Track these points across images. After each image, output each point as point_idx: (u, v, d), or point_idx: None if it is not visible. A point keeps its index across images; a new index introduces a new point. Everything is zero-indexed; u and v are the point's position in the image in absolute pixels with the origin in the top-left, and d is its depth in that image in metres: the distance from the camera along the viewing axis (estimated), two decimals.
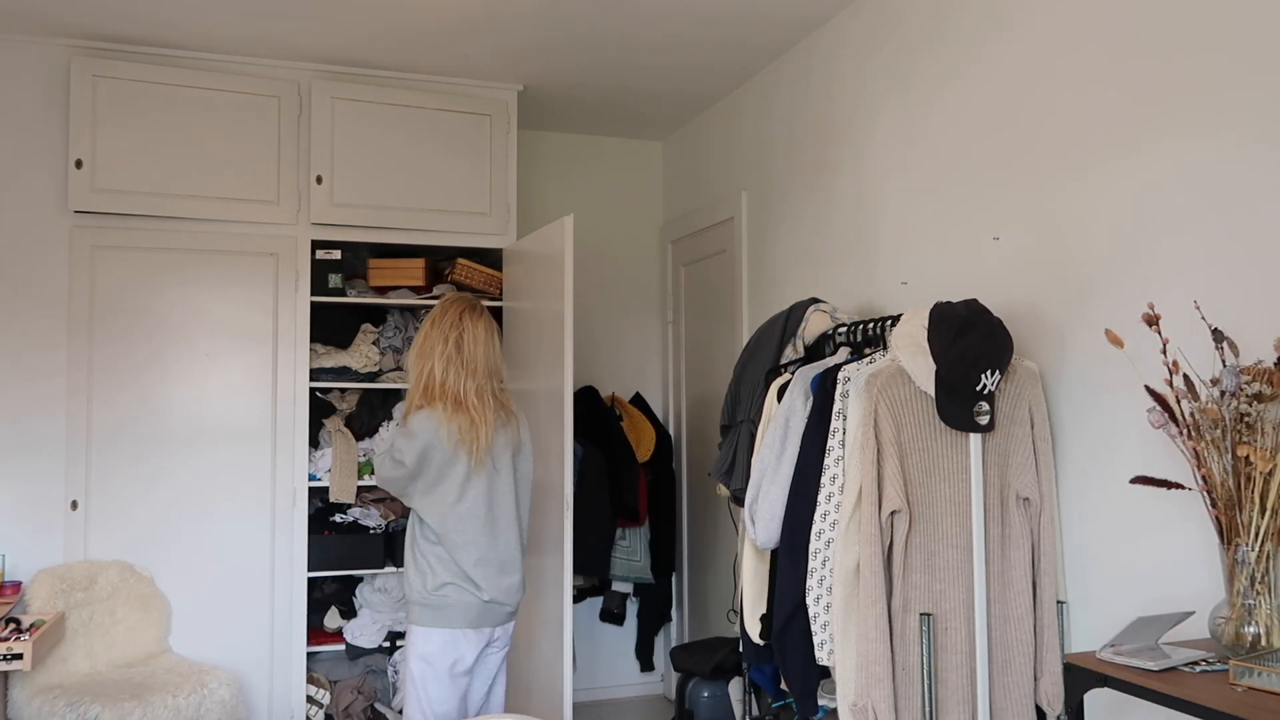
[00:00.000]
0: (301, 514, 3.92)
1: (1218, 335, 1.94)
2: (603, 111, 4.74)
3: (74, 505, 3.67)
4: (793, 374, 2.86)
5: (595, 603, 4.91)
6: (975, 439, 2.44)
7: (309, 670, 3.96)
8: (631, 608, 4.95)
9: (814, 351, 3.10)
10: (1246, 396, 1.86)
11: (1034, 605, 2.44)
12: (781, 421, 2.76)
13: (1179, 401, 1.96)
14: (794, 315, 3.17)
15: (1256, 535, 1.83)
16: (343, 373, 4.08)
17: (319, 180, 3.96)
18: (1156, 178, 2.26)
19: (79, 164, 3.68)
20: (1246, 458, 1.83)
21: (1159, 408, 1.96)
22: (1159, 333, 2.02)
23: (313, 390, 4.04)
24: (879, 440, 2.42)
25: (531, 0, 3.45)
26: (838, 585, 2.45)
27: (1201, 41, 2.15)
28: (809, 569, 2.54)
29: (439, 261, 4.32)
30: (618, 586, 4.79)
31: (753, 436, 2.98)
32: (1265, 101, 2.01)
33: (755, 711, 3.42)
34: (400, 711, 3.51)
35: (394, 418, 4.12)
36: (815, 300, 3.19)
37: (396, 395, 4.24)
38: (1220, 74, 2.11)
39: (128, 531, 3.72)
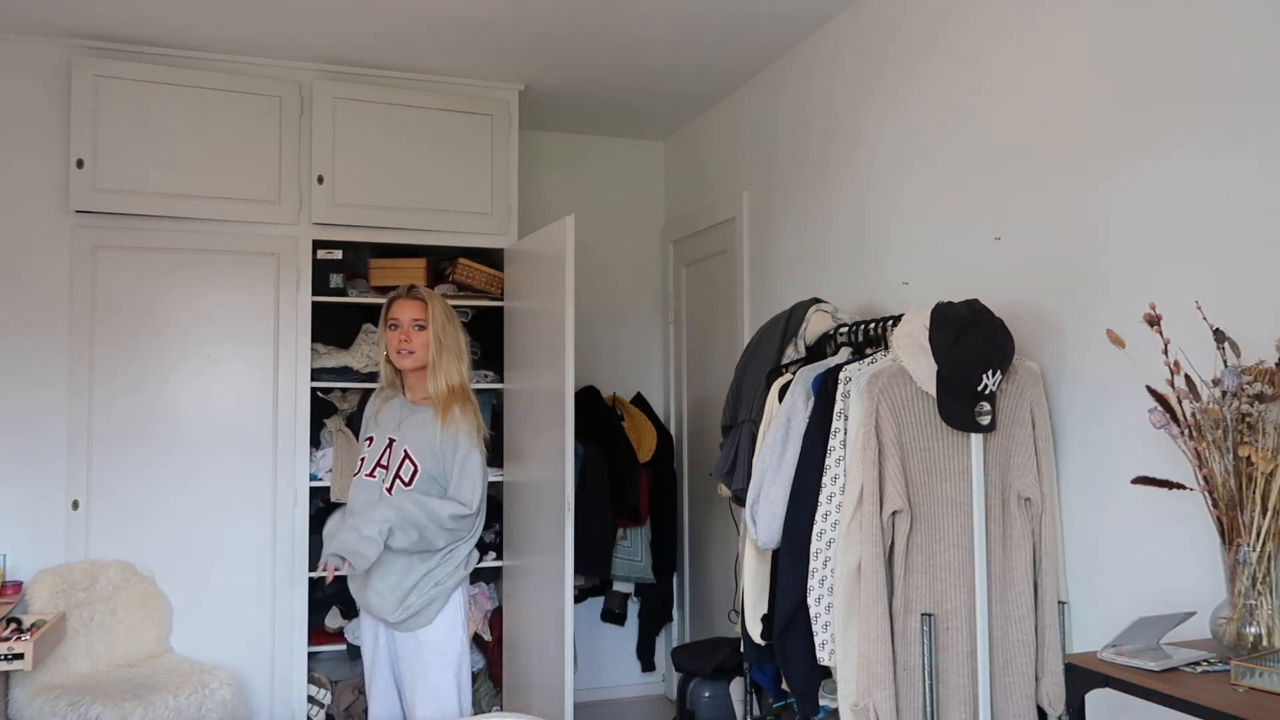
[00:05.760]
0: (302, 514, 3.92)
1: (1219, 335, 1.94)
2: (604, 111, 4.74)
3: (75, 505, 3.67)
4: (794, 374, 2.86)
5: (596, 603, 4.91)
6: (976, 439, 2.44)
7: (310, 670, 3.96)
8: (633, 608, 4.95)
9: (815, 351, 3.10)
10: (1248, 397, 1.86)
11: (1035, 605, 2.44)
12: (783, 421, 2.75)
13: (1180, 402, 1.95)
14: (795, 315, 3.16)
15: (1258, 535, 1.82)
16: (344, 373, 4.08)
17: (320, 180, 3.96)
18: (1158, 178, 2.26)
19: (80, 164, 3.68)
20: (1248, 458, 1.82)
21: (1160, 408, 1.95)
22: (1160, 333, 2.02)
23: (314, 390, 4.04)
24: (880, 440, 2.41)
25: (533, 0, 3.45)
26: (839, 585, 2.45)
27: (1202, 43, 2.15)
28: (810, 569, 2.54)
29: (440, 261, 4.32)
30: (619, 586, 4.80)
31: (754, 437, 2.98)
32: (1266, 102, 2.01)
33: (756, 711, 3.42)
34: None
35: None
36: (816, 300, 3.18)
37: None
38: (1221, 75, 2.11)
39: (129, 531, 3.72)
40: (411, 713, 2.99)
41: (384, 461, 3.00)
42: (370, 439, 3.08)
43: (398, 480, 2.95)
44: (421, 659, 2.96)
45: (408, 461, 2.96)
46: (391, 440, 3.01)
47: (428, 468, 2.95)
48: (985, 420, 2.39)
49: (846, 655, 2.44)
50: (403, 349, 3.00)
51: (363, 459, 3.07)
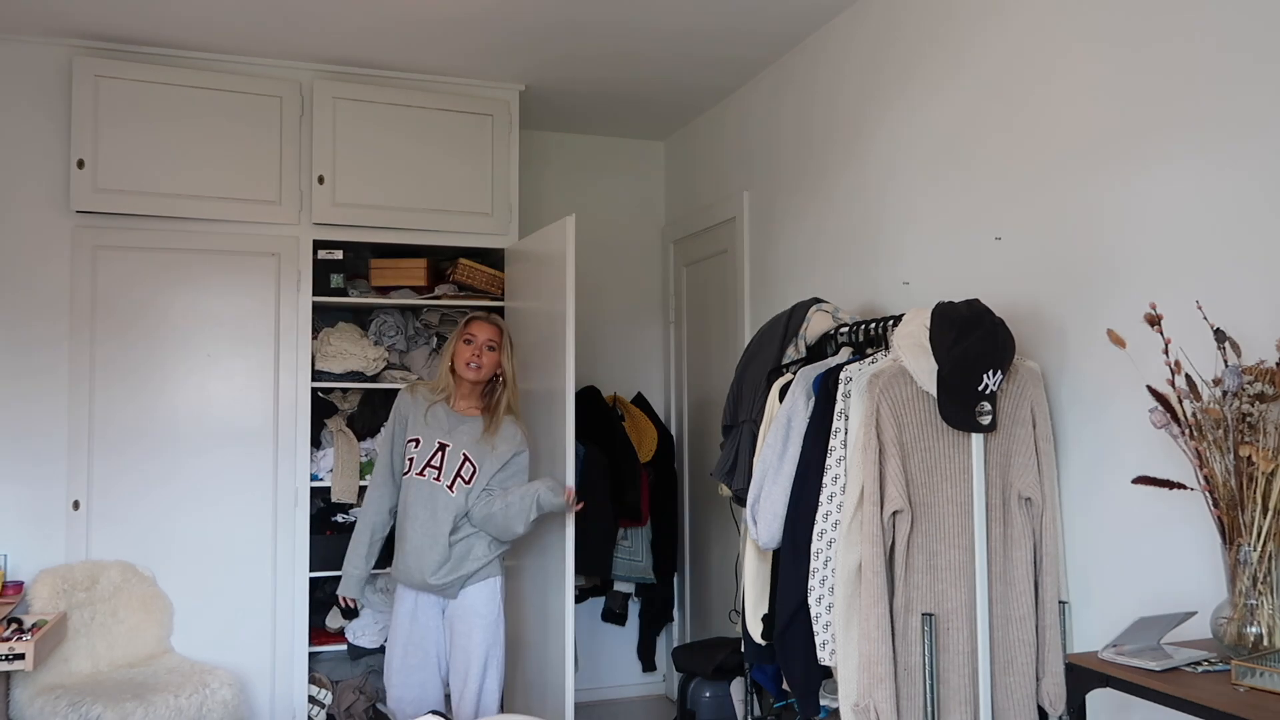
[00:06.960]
0: (303, 514, 3.92)
1: (1220, 335, 1.94)
2: (605, 111, 4.74)
3: (76, 505, 3.67)
4: (795, 374, 2.86)
5: (597, 603, 4.91)
6: (977, 439, 2.44)
7: (311, 670, 3.96)
8: (633, 608, 4.95)
9: (816, 351, 3.10)
10: (1248, 396, 1.86)
11: (1036, 605, 2.44)
12: (783, 421, 2.76)
13: (1181, 401, 1.95)
14: (796, 315, 3.16)
15: (1259, 535, 1.83)
16: (345, 373, 4.08)
17: (321, 180, 3.96)
18: (1158, 178, 2.26)
19: (81, 164, 3.68)
20: (1249, 458, 1.82)
21: (1161, 408, 1.95)
22: (1161, 333, 2.02)
23: (314, 390, 4.05)
24: (881, 440, 2.41)
25: (533, 0, 3.45)
26: (840, 585, 2.45)
27: (1203, 43, 2.15)
28: (811, 569, 2.54)
29: (441, 261, 4.32)
30: (620, 586, 4.80)
31: (755, 436, 2.98)
32: (1266, 103, 2.01)
33: (757, 711, 3.42)
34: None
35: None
36: (817, 300, 3.18)
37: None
38: (1221, 76, 2.11)
39: (130, 531, 3.72)
40: (458, 677, 3.27)
41: (435, 463, 3.28)
42: (416, 440, 3.33)
43: (458, 479, 3.26)
44: (464, 619, 3.27)
45: (468, 463, 3.28)
46: (444, 445, 3.30)
47: (487, 469, 3.28)
48: (986, 420, 2.39)
49: (847, 655, 2.44)
50: (473, 362, 3.33)
51: (410, 459, 3.33)
